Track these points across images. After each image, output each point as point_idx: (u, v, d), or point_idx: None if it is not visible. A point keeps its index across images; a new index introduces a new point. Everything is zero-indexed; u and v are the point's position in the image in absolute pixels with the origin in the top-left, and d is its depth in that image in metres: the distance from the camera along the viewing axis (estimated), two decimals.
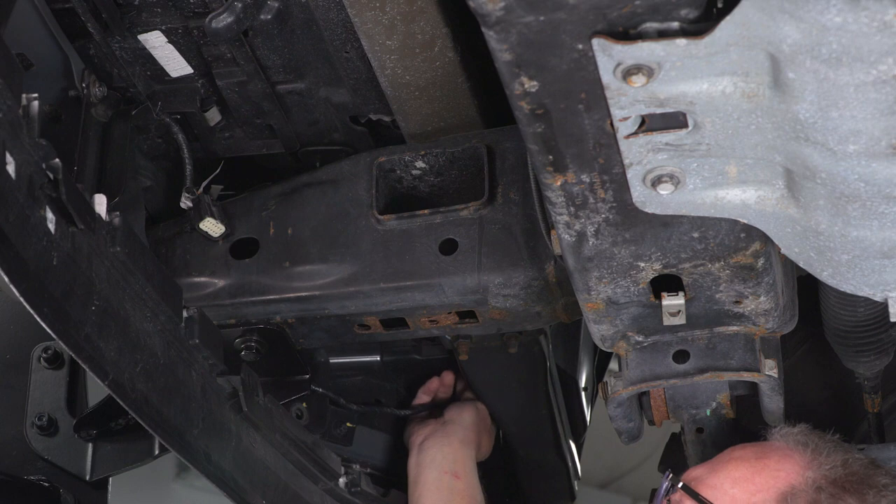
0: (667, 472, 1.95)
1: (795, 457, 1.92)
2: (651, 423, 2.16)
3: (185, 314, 1.84)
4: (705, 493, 1.89)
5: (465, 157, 2.07)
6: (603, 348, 1.99)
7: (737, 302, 1.81)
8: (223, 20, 1.87)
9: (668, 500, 1.95)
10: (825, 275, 1.57)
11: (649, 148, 1.41)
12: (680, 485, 1.91)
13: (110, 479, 2.27)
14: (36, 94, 1.45)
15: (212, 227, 2.11)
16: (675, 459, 2.56)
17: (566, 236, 1.64)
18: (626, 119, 1.36)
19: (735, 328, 1.91)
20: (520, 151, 2.01)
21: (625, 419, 2.09)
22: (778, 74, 1.26)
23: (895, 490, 1.89)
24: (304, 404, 2.36)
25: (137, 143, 2.20)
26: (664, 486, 1.94)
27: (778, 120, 1.33)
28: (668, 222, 1.61)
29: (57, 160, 1.45)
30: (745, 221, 1.54)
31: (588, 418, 3.05)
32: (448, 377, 2.59)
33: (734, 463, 1.92)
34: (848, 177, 1.35)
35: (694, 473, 1.95)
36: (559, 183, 1.51)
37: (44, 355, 2.31)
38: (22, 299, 1.40)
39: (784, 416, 2.09)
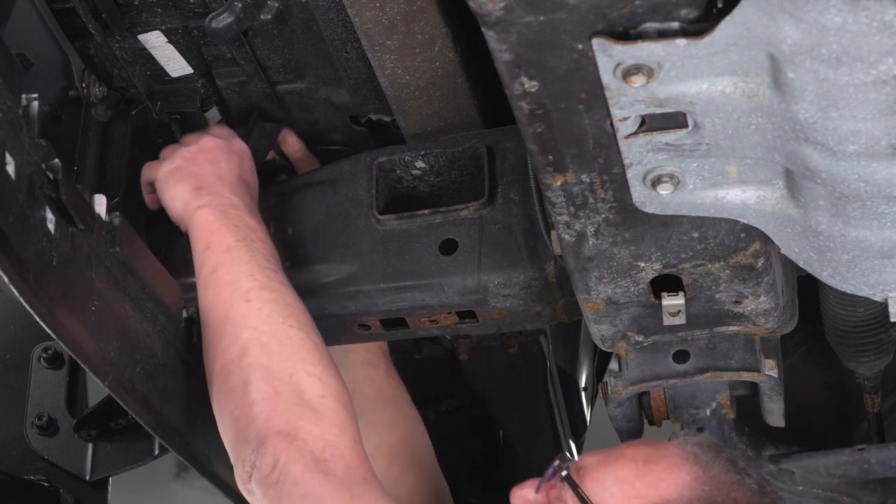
0: (560, 454, 1.88)
1: (684, 469, 1.79)
2: (651, 423, 2.16)
3: (185, 314, 1.84)
4: (588, 485, 1.79)
5: (465, 157, 2.06)
6: (603, 348, 1.99)
7: (737, 302, 1.81)
8: (223, 20, 1.87)
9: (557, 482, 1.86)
10: (825, 275, 1.57)
11: (649, 148, 1.41)
12: (563, 473, 1.81)
13: (110, 479, 2.28)
14: (36, 94, 1.45)
15: None
16: None
17: (566, 236, 1.64)
18: (626, 119, 1.36)
19: (735, 328, 1.91)
20: (520, 151, 2.00)
21: (625, 419, 2.09)
22: (778, 74, 1.26)
23: None
24: None
25: (138, 143, 2.20)
26: (551, 469, 1.84)
27: (778, 120, 1.33)
28: (668, 222, 1.61)
29: (57, 160, 1.45)
30: (745, 221, 1.54)
31: (588, 418, 3.06)
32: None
33: (623, 461, 1.82)
34: (848, 177, 1.35)
35: (588, 460, 1.85)
36: (559, 183, 1.51)
37: (44, 355, 2.31)
38: (22, 299, 1.40)
39: (784, 416, 2.09)
